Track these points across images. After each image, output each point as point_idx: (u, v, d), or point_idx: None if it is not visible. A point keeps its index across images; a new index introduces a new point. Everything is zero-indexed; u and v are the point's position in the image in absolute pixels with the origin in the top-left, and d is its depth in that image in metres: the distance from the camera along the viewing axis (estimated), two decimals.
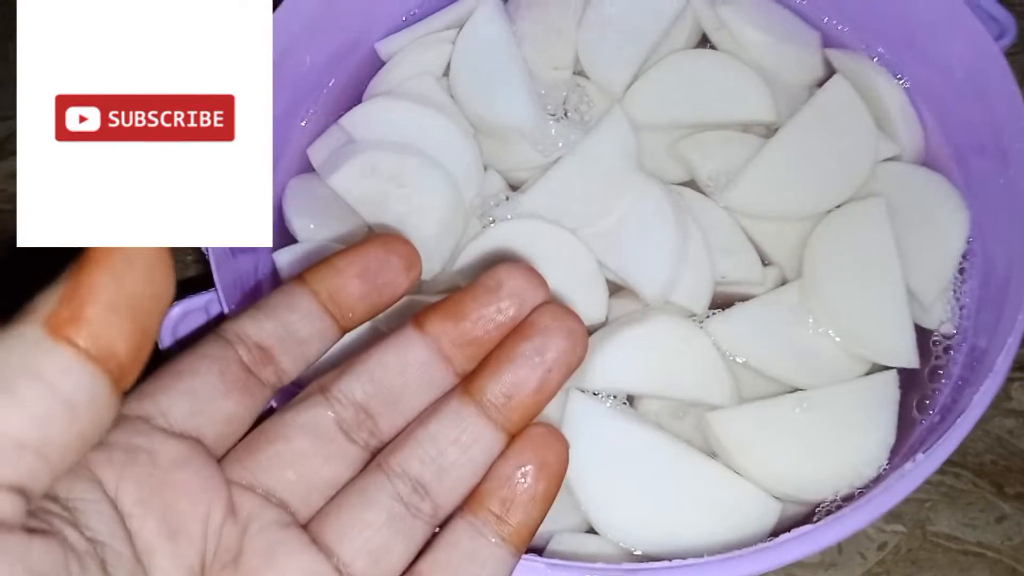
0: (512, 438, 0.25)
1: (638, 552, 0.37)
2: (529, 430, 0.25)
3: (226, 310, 0.36)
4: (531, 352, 0.24)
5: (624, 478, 0.38)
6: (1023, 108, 0.39)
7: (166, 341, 0.37)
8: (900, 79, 0.46)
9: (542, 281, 0.25)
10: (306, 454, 0.24)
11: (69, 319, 0.19)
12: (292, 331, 0.24)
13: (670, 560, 0.32)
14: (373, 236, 0.26)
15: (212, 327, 0.25)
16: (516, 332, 0.25)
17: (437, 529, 0.25)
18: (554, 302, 0.25)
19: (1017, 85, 0.39)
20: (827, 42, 0.48)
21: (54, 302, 0.19)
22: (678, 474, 0.38)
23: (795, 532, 0.31)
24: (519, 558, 0.25)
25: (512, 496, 0.24)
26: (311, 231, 0.45)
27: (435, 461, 0.24)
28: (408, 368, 0.25)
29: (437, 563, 0.24)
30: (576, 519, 0.39)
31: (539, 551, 0.38)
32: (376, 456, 0.25)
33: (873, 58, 0.47)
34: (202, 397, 0.23)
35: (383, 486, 0.24)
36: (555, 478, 0.25)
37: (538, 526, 0.25)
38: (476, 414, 0.25)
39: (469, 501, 0.25)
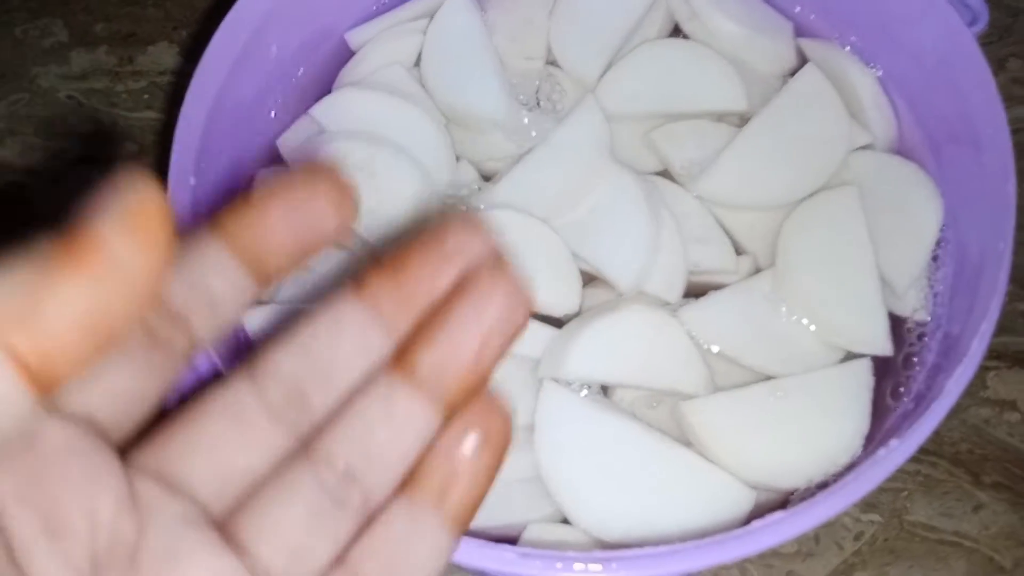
0: (451, 413, 0.22)
1: (611, 541, 0.37)
2: (473, 401, 0.22)
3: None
4: (466, 317, 0.21)
5: (598, 468, 0.38)
6: (996, 94, 0.38)
7: None
8: (873, 67, 0.46)
9: (488, 236, 0.22)
10: (221, 440, 0.21)
11: (18, 320, 0.16)
12: (204, 290, 0.21)
13: (642, 548, 0.31)
14: (298, 169, 0.21)
15: None
16: (452, 295, 0.22)
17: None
18: (495, 262, 0.22)
19: (990, 71, 0.39)
20: (799, 31, 0.48)
21: (11, 292, 0.16)
22: (652, 463, 0.38)
23: (767, 519, 0.31)
24: (459, 539, 0.22)
25: (451, 471, 0.22)
26: None
27: (364, 445, 0.21)
28: (343, 335, 0.21)
29: (368, 549, 0.22)
30: (549, 509, 0.38)
31: (512, 541, 0.37)
32: (303, 440, 0.22)
33: (845, 47, 0.47)
34: (93, 369, 0.18)
35: (305, 476, 0.21)
36: (498, 450, 0.22)
37: (480, 503, 0.22)
38: (408, 389, 0.21)
39: (408, 479, 0.22)
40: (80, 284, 0.16)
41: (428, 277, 0.21)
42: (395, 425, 0.21)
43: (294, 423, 0.22)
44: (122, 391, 0.20)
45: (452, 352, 0.21)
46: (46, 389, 0.16)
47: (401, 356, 0.22)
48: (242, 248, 0.21)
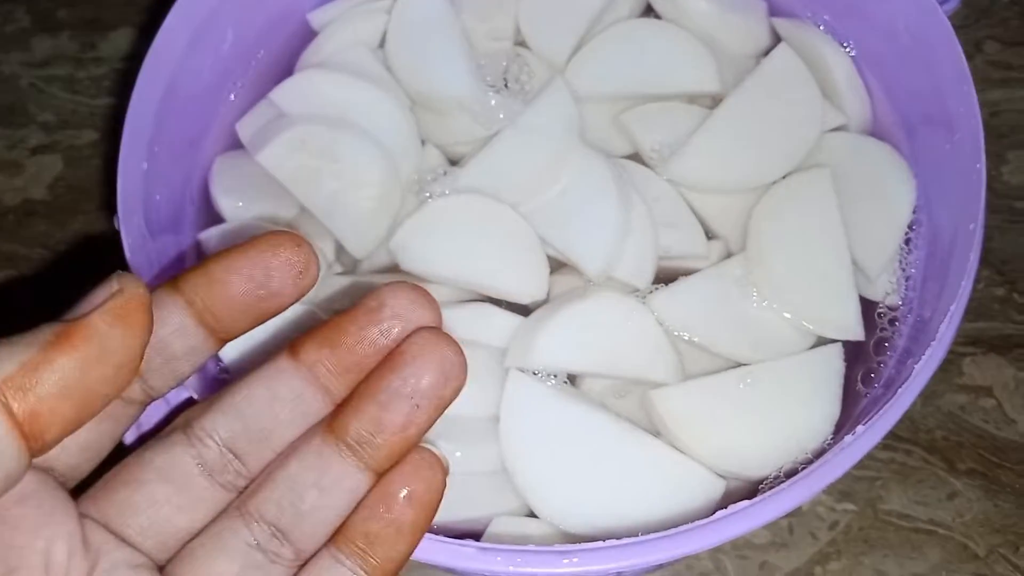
0: (379, 477, 0.23)
1: (579, 534, 0.36)
2: (409, 456, 0.23)
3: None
4: (398, 385, 0.22)
5: (565, 459, 0.37)
6: (967, 73, 0.38)
7: None
8: (846, 47, 0.45)
9: (430, 300, 0.23)
10: (160, 501, 0.22)
11: (18, 388, 0.18)
12: (162, 347, 0.22)
13: (607, 540, 0.30)
14: (261, 236, 0.22)
15: None
16: (384, 362, 0.22)
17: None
18: (431, 327, 0.23)
19: (961, 49, 0.38)
20: (773, 10, 0.47)
21: (13, 364, 0.18)
22: (620, 454, 0.37)
23: (734, 508, 0.30)
24: None
25: (377, 529, 0.23)
26: (239, 209, 0.43)
27: (293, 506, 0.23)
28: (278, 401, 0.23)
29: None
30: (515, 503, 0.38)
31: (477, 536, 0.36)
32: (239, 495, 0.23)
33: (819, 26, 0.46)
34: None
35: (239, 531, 0.23)
36: (427, 508, 0.23)
37: (406, 559, 0.23)
38: (339, 454, 0.23)
39: (337, 532, 0.23)
40: (72, 361, 0.19)
41: (365, 344, 0.22)
42: (324, 486, 0.23)
43: (231, 483, 0.23)
44: (81, 441, 0.21)
45: (382, 421, 0.22)
46: (36, 448, 0.19)
47: (333, 421, 0.23)
48: (201, 310, 0.22)
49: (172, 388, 0.23)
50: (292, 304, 0.23)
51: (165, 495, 0.22)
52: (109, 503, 0.22)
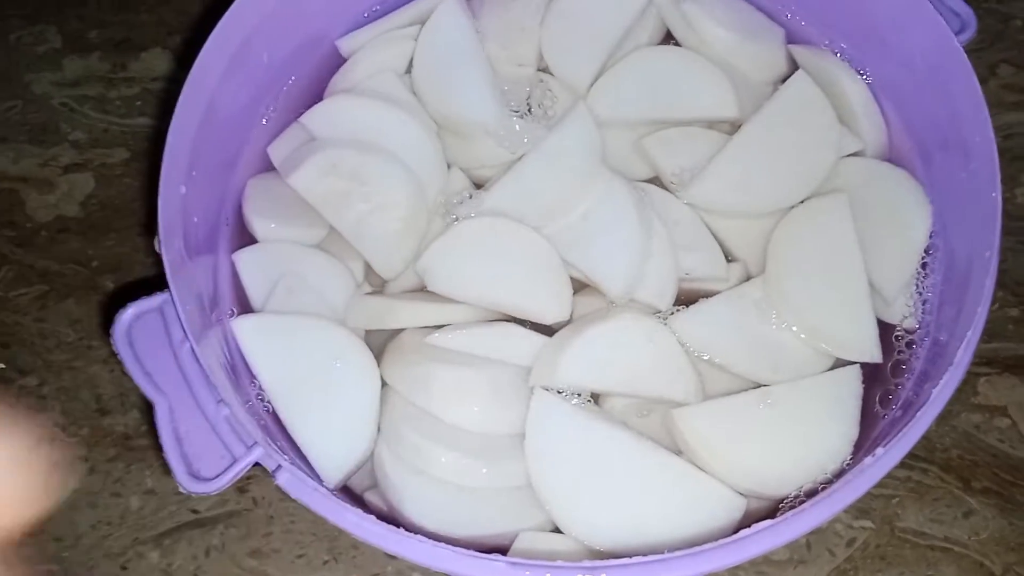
0: None
1: (603, 550, 0.37)
2: None
3: (181, 314, 0.35)
4: None
5: (588, 476, 0.38)
6: (983, 103, 0.39)
7: (119, 345, 0.36)
8: (863, 75, 0.46)
9: None
10: None
11: None
12: None
13: (632, 557, 0.31)
14: None
15: None
16: None
17: None
18: None
19: (977, 79, 0.39)
20: (791, 38, 0.48)
21: None
22: (643, 471, 0.38)
23: (757, 527, 0.31)
24: None
25: None
26: (272, 231, 0.44)
27: None
28: None
29: None
30: (540, 518, 0.38)
31: (503, 550, 0.37)
32: None
33: (836, 54, 0.47)
34: None
35: None
36: None
37: None
38: None
39: None
40: None
41: None
42: None
43: None
44: None
45: None
46: None
47: None
48: None
49: None
50: None
51: None
52: None
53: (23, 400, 0.53)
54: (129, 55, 0.64)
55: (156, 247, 0.37)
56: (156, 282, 0.38)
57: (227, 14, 0.41)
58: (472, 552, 0.31)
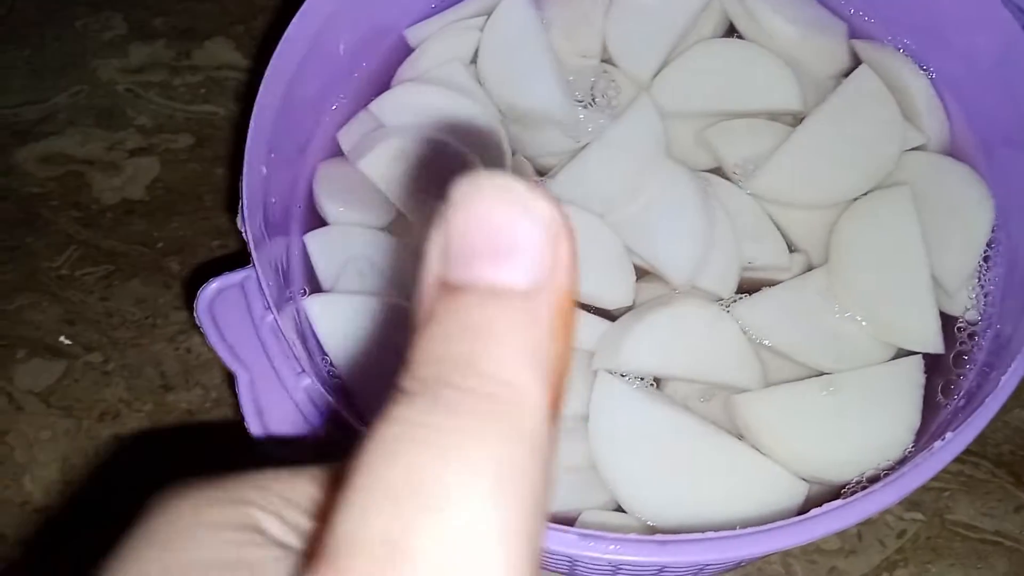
0: None
1: (664, 529, 0.38)
2: None
3: (265, 287, 0.37)
4: None
5: (651, 457, 0.39)
6: None
7: (202, 318, 0.37)
8: (926, 70, 0.47)
9: None
10: None
11: None
12: None
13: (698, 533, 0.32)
14: None
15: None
16: None
17: None
18: None
19: None
20: (853, 33, 0.49)
21: None
22: (704, 455, 0.39)
23: (825, 507, 0.32)
24: None
25: None
26: (341, 213, 0.45)
27: None
28: None
29: None
30: (604, 497, 0.39)
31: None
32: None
33: (899, 49, 0.48)
34: None
35: None
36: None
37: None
38: None
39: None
40: None
41: None
42: None
43: None
44: None
45: None
46: None
47: None
48: None
49: None
50: None
51: None
52: None
53: (88, 375, 0.54)
54: (193, 43, 0.66)
55: (239, 224, 0.38)
56: (223, 264, 0.39)
57: (306, 3, 0.42)
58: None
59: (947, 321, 0.41)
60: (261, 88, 0.40)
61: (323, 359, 0.41)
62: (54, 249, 0.58)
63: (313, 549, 0.17)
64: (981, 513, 0.49)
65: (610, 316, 0.43)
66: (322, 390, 0.35)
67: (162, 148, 0.62)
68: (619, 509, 0.39)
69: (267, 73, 0.40)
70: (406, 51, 0.50)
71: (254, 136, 0.39)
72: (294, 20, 0.42)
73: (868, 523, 0.49)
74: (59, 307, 0.56)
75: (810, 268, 0.44)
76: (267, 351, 0.37)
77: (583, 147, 0.46)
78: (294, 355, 0.36)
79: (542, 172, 0.47)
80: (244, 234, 0.38)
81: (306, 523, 0.18)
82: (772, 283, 0.43)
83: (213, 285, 0.38)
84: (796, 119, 0.47)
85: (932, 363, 0.41)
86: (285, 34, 0.41)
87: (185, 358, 0.55)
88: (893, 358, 0.41)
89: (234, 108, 0.63)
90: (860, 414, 0.39)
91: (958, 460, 0.51)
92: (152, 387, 0.54)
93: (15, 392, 0.54)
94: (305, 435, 0.35)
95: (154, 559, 0.17)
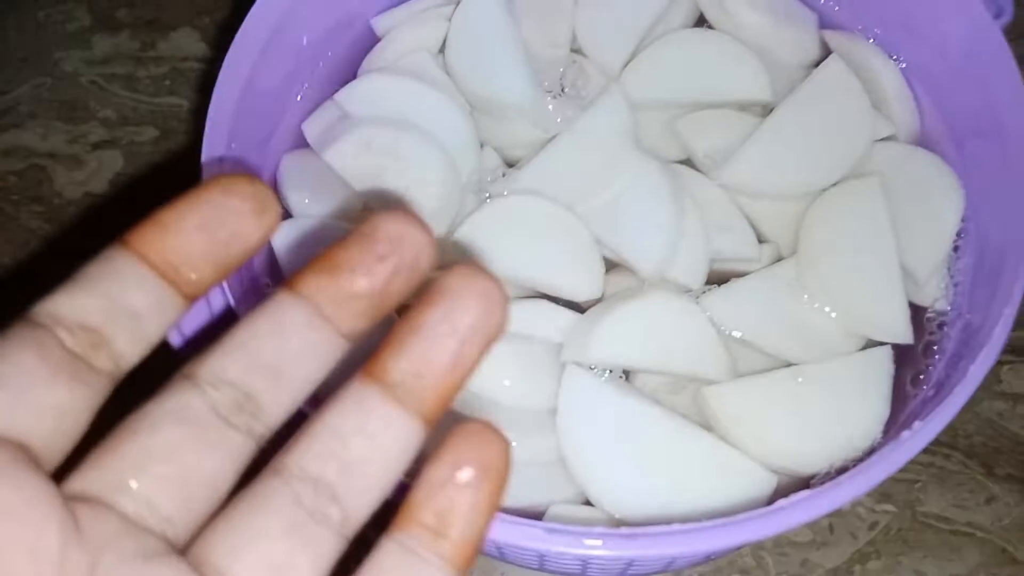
0: (430, 423, 0.21)
1: (633, 523, 0.37)
2: (464, 425, 0.20)
3: (226, 282, 0.36)
4: (439, 320, 0.20)
5: (620, 450, 0.38)
6: (1022, 87, 0.39)
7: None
8: (896, 59, 0.47)
9: (423, 224, 0.21)
10: (180, 444, 0.19)
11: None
12: (122, 305, 0.20)
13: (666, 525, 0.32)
14: (211, 179, 0.21)
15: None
16: (421, 299, 0.20)
17: (357, 550, 0.21)
18: (465, 265, 0.21)
19: (1015, 65, 0.39)
20: (824, 23, 0.49)
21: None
22: (674, 447, 0.38)
23: (792, 498, 0.31)
24: None
25: (449, 505, 0.19)
26: (306, 206, 0.45)
27: (337, 456, 0.20)
28: (284, 333, 0.20)
29: None
30: (571, 491, 0.39)
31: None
32: (266, 453, 0.20)
33: (869, 39, 0.48)
34: (17, 386, 0.18)
35: (278, 490, 0.19)
36: (498, 481, 0.20)
37: (482, 541, 0.20)
38: (381, 397, 0.20)
39: (397, 515, 0.20)
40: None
41: (363, 271, 0.20)
42: (371, 434, 0.20)
43: (248, 427, 0.20)
44: (50, 409, 0.18)
45: (427, 359, 0.20)
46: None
47: (373, 364, 0.20)
48: (158, 263, 0.20)
49: (142, 355, 0.20)
50: (260, 247, 0.21)
51: (185, 437, 0.19)
52: (115, 460, 0.19)
53: None
54: (158, 34, 0.64)
55: None
56: None
57: None
58: (510, 516, 0.31)
59: (916, 311, 0.41)
60: (219, 77, 0.39)
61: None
62: (15, 245, 0.57)
63: None
64: (953, 505, 0.49)
65: (579, 308, 0.43)
66: None
67: (126, 141, 0.60)
68: (587, 503, 0.39)
69: (225, 62, 0.39)
70: (373, 40, 0.49)
71: (212, 128, 0.38)
72: (253, 8, 0.41)
73: (839, 515, 0.49)
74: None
75: (779, 259, 0.43)
76: None
77: (552, 138, 0.45)
78: None
79: (511, 163, 0.47)
80: None
81: None
82: (741, 274, 0.42)
83: None
84: (766, 110, 0.46)
85: (901, 353, 0.40)
86: (244, 22, 0.41)
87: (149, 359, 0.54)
88: (862, 348, 0.41)
89: (199, 100, 0.61)
90: (829, 405, 0.39)
91: (929, 451, 0.51)
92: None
93: None
94: None
95: None
